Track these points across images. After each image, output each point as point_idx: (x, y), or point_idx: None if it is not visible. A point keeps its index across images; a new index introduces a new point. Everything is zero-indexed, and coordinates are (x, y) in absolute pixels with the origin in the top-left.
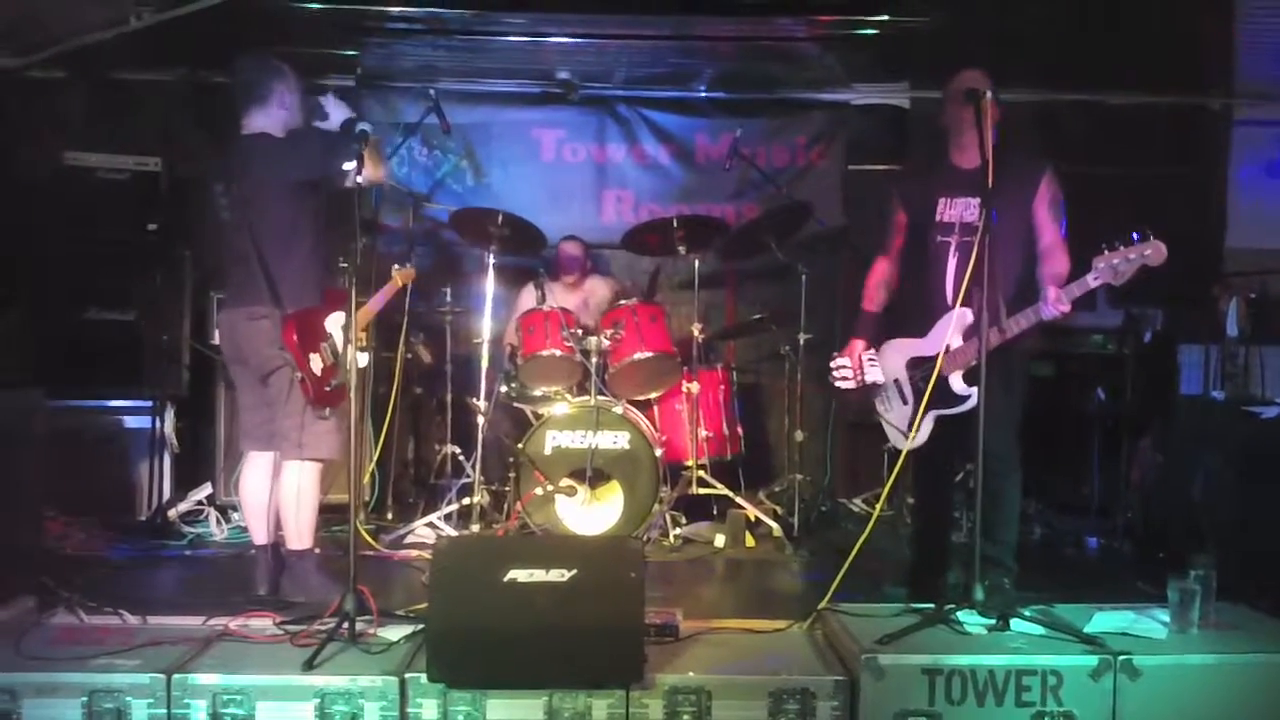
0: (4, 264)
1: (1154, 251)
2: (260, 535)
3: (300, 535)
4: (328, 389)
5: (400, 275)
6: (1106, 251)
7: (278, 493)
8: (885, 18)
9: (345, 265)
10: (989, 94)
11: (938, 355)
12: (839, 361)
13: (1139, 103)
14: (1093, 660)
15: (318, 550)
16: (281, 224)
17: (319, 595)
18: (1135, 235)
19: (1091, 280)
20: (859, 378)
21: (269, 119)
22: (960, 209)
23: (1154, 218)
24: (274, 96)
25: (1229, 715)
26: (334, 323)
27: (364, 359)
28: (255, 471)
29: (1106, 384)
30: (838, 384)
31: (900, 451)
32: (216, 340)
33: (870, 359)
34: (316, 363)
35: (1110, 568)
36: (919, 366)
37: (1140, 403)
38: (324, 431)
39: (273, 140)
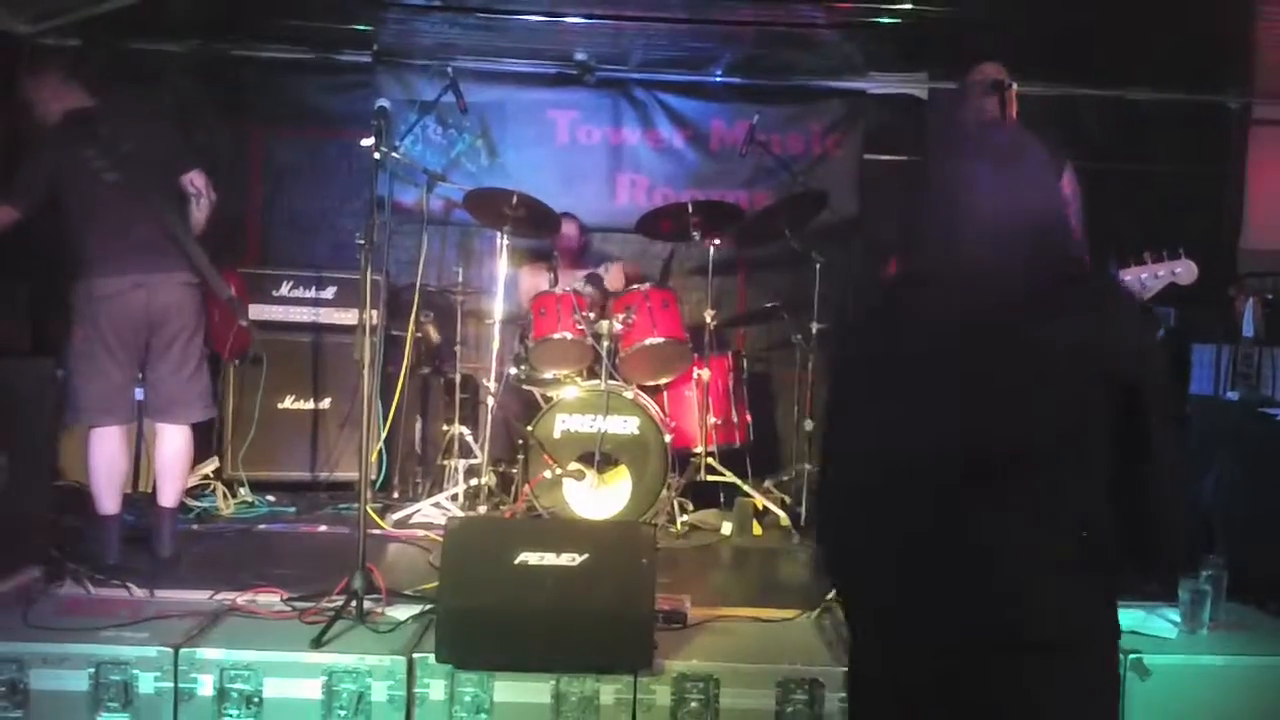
0: (13, 233)
1: (1185, 270)
2: (113, 505)
3: (179, 493)
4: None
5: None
6: (1134, 265)
7: (167, 455)
8: (908, 6)
9: (362, 241)
10: (1014, 85)
11: None
12: None
13: (1157, 99)
14: None
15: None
16: (172, 193)
17: (178, 549)
18: (1165, 252)
19: None
20: None
21: (86, 98)
22: None
23: (1170, 216)
24: (72, 79)
25: (1238, 717)
26: None
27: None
28: (114, 444)
29: None
30: None
31: None
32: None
33: None
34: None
35: (1118, 566)
36: None
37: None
38: (209, 393)
39: (141, 109)
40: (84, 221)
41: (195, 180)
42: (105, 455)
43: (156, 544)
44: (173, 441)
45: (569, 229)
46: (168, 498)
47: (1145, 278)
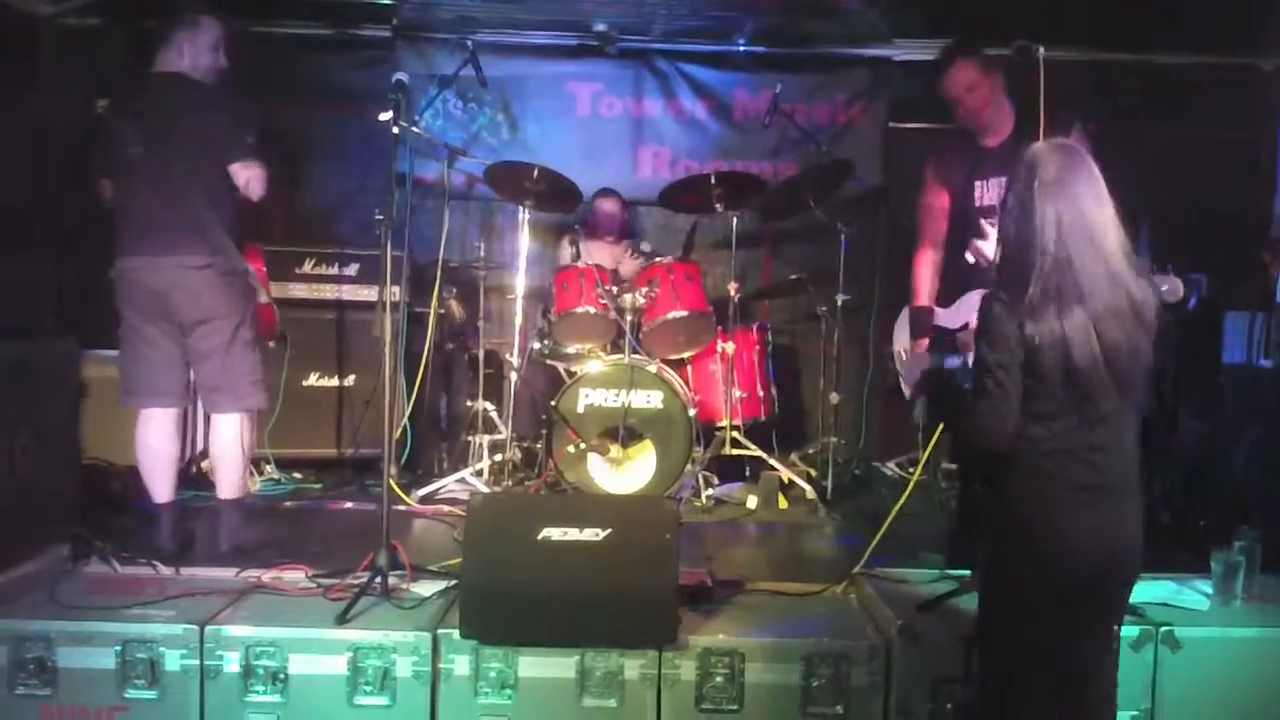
0: (35, 213)
1: (1170, 289)
2: (165, 493)
3: (236, 485)
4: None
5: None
6: None
7: (219, 445)
8: None
9: (381, 217)
10: (1041, 50)
11: (957, 329)
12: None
13: (1188, 63)
14: (1134, 631)
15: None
16: (210, 170)
17: (251, 542)
18: (1154, 265)
19: None
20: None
21: (181, 62)
22: (995, 190)
23: (1203, 182)
24: (177, 41)
25: (1271, 689)
26: None
27: None
28: (162, 429)
29: None
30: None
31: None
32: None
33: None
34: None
35: (1150, 537)
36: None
37: (1184, 371)
38: (258, 380)
39: (193, 83)
40: (116, 196)
41: (239, 174)
42: (148, 440)
43: (216, 536)
44: (222, 432)
45: (610, 206)
46: (222, 489)
47: None
